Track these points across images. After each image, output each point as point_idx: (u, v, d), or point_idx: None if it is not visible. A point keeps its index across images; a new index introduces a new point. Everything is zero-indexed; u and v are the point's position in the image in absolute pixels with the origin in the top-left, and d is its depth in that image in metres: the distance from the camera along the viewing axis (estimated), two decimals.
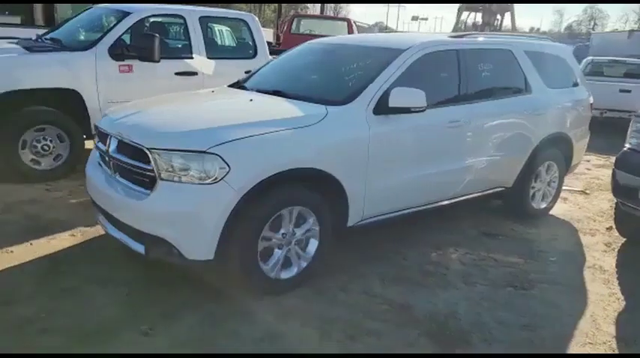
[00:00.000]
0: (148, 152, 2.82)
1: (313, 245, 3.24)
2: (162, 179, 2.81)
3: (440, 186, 3.95)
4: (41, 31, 6.33)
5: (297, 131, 3.08)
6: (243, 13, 7.02)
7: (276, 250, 3.09)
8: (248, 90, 4.06)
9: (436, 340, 2.80)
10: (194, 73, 5.79)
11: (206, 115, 3.39)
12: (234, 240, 2.85)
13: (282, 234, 3.07)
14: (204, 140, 2.81)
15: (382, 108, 3.35)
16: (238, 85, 4.28)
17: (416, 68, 3.67)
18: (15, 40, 5.54)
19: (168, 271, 3.23)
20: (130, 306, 2.92)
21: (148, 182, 2.89)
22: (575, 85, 5.03)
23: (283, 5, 29.96)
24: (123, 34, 5.36)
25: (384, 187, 3.53)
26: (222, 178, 2.76)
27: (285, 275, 3.14)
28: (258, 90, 3.92)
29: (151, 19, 5.99)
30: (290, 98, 3.57)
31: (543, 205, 4.94)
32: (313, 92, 3.64)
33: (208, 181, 2.77)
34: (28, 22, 8.74)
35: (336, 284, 3.31)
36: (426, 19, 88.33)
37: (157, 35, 5.28)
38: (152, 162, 2.82)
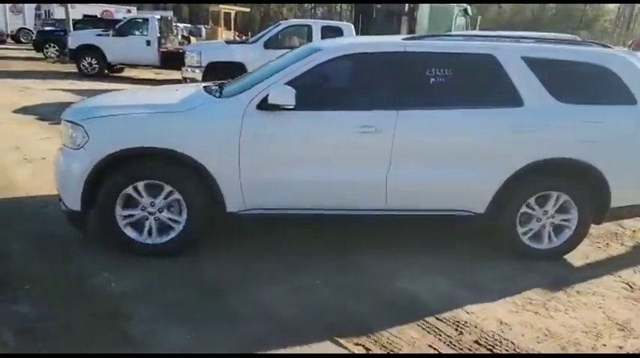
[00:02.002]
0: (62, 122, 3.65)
1: (184, 214, 3.58)
2: (63, 145, 3.66)
3: (347, 192, 3.70)
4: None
5: (162, 115, 3.57)
6: None
7: (146, 221, 3.59)
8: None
9: None
10: None
11: (120, 100, 4.15)
12: (97, 201, 3.50)
13: (142, 207, 3.55)
14: (80, 114, 3.60)
15: (264, 104, 3.48)
16: None
17: (323, 70, 3.68)
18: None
19: None
20: None
21: None
22: (630, 102, 3.79)
23: None
24: None
25: (267, 180, 3.59)
26: (83, 146, 3.44)
27: (161, 239, 3.62)
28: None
29: None
30: (209, 91, 3.91)
31: (547, 245, 3.92)
32: (231, 87, 3.97)
33: (76, 147, 3.49)
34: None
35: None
36: None
37: None
38: None
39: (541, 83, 3.72)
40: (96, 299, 3.08)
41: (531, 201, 3.80)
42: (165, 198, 3.55)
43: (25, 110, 9.13)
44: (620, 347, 2.90)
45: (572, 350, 2.84)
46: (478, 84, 3.82)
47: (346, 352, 2.72)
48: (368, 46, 3.95)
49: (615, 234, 4.64)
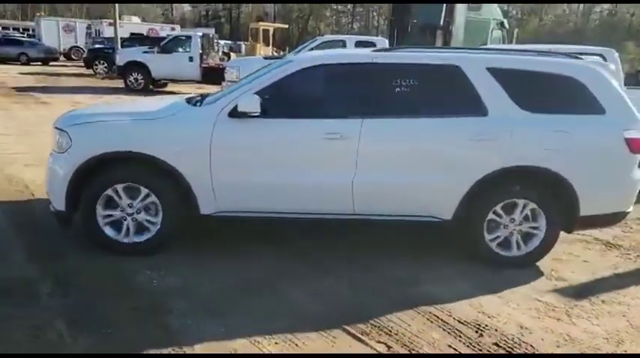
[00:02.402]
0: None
1: (159, 215, 3.84)
2: (52, 150, 3.97)
3: (316, 196, 3.84)
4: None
5: (141, 122, 3.87)
6: None
7: (124, 221, 3.85)
8: None
9: None
10: None
11: (106, 109, 4.80)
12: (83, 195, 3.77)
13: (120, 208, 3.82)
14: (66, 121, 3.95)
15: (235, 112, 3.70)
16: None
17: (293, 80, 3.87)
18: None
19: None
20: None
21: None
22: (598, 112, 3.82)
23: None
24: None
25: (237, 184, 3.81)
26: (67, 150, 3.78)
27: (139, 238, 3.88)
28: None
29: None
30: (189, 101, 4.20)
31: (516, 253, 3.94)
32: (211, 97, 4.21)
33: (62, 151, 3.82)
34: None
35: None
36: None
37: None
38: None
39: (506, 93, 3.80)
40: (139, 294, 3.35)
41: (498, 208, 3.85)
42: (142, 201, 3.81)
43: None
44: None
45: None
46: (443, 94, 3.95)
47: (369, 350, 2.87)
48: (337, 58, 4.24)
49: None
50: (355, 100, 3.91)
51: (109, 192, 3.78)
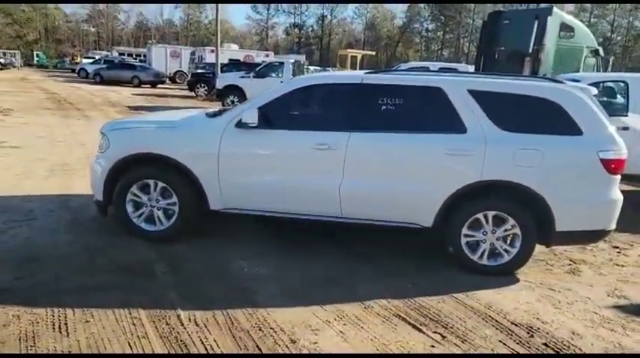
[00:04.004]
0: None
1: (176, 210, 4.54)
2: (97, 151, 4.78)
3: (304, 199, 4.35)
4: None
5: (165, 129, 4.66)
6: None
7: (145, 208, 4.61)
8: None
9: None
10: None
11: (144, 118, 5.60)
12: (113, 194, 4.56)
13: (148, 198, 4.57)
14: (109, 127, 4.82)
15: (240, 123, 4.34)
16: None
17: (292, 97, 4.50)
18: None
19: None
20: None
21: None
22: (575, 133, 4.04)
23: None
24: None
25: (240, 185, 4.42)
26: (105, 150, 4.62)
27: (168, 223, 4.59)
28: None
29: None
30: (208, 114, 4.90)
31: (493, 262, 4.20)
32: (229, 110, 4.81)
33: (102, 151, 4.66)
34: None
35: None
36: None
37: None
38: None
39: (484, 113, 4.12)
40: (232, 278, 3.98)
41: (475, 218, 4.14)
42: (162, 196, 4.54)
43: None
44: None
45: None
46: (426, 112, 4.35)
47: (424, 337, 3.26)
48: (330, 78, 4.90)
49: None
50: (344, 116, 4.40)
51: (137, 186, 4.54)
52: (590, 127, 4.06)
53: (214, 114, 4.88)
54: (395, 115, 4.35)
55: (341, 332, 3.25)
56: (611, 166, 4.02)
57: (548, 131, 4.11)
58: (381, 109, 4.34)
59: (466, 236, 4.22)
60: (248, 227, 5.06)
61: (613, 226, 4.18)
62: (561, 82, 4.41)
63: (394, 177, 4.23)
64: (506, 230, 4.15)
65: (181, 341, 3.05)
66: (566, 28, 13.85)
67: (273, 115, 4.41)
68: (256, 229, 5.03)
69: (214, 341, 3.07)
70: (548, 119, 4.15)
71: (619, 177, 4.11)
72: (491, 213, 4.14)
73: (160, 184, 4.53)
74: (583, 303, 3.84)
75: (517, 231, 4.13)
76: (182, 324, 3.23)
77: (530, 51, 13.38)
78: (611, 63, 16.15)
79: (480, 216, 4.15)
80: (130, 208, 4.61)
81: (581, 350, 3.18)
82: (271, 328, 3.25)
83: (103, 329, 3.12)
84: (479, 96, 4.19)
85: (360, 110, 4.37)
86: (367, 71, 4.86)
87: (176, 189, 4.51)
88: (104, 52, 52.41)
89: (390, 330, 3.31)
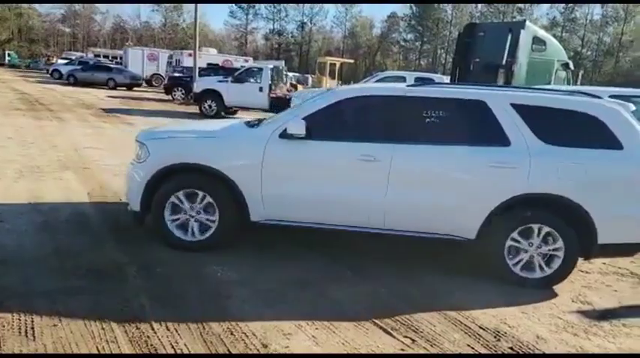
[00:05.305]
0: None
1: (216, 218, 4.49)
2: (133, 159, 4.74)
3: (348, 210, 4.33)
4: None
5: (206, 139, 4.62)
6: None
7: (190, 220, 4.54)
8: None
9: None
10: None
11: (179, 127, 5.35)
12: (153, 200, 4.48)
13: (191, 206, 4.50)
14: (146, 136, 4.74)
15: (285, 133, 4.32)
16: None
17: (336, 108, 4.47)
18: None
19: None
20: None
21: None
22: (616, 147, 4.15)
23: None
24: None
25: (283, 196, 4.37)
26: (145, 160, 4.52)
27: (200, 237, 4.55)
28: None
29: None
30: (247, 124, 4.93)
31: (532, 275, 4.25)
32: (266, 121, 4.87)
33: (141, 161, 4.57)
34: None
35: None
36: None
37: None
38: None
39: (528, 127, 4.20)
40: (205, 283, 3.97)
41: (518, 231, 4.19)
42: (200, 203, 4.49)
43: None
44: None
45: None
46: (470, 125, 4.39)
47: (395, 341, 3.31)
48: (374, 90, 4.86)
49: None
50: (388, 128, 4.41)
51: (179, 195, 4.47)
52: (630, 142, 4.17)
53: (254, 124, 4.88)
54: (438, 128, 4.39)
55: (313, 336, 3.28)
56: None
57: (589, 145, 4.19)
58: (425, 122, 4.37)
59: (510, 249, 4.24)
60: None
61: None
62: (599, 97, 4.50)
63: (438, 189, 4.24)
64: (552, 249, 4.21)
65: (151, 345, 3.03)
66: (538, 42, 14.22)
67: (318, 126, 4.35)
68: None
69: (185, 345, 3.06)
70: (589, 133, 4.23)
71: None
72: (545, 229, 4.18)
73: (208, 199, 4.46)
74: (549, 309, 3.95)
75: (561, 253, 4.18)
76: (152, 328, 3.20)
77: (504, 63, 13.70)
78: (580, 76, 16.66)
79: (535, 227, 4.19)
80: (167, 212, 4.52)
81: (545, 353, 3.27)
82: (243, 332, 3.25)
83: (71, 333, 3.08)
84: (522, 109, 4.26)
85: (405, 122, 4.39)
86: (409, 84, 4.94)
87: (220, 204, 4.45)
88: (79, 54, 51.54)
89: (361, 334, 3.35)
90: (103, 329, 3.15)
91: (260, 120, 5.08)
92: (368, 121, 4.64)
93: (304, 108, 4.57)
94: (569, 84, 15.14)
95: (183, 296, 3.69)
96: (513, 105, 4.27)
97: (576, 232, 4.15)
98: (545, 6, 62.79)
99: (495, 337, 3.43)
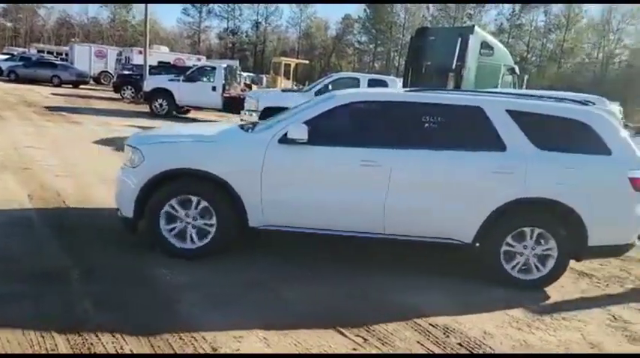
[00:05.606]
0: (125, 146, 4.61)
1: (214, 227, 4.34)
2: (123, 164, 4.56)
3: (348, 215, 4.30)
4: None
5: (205, 144, 4.47)
6: None
7: (187, 227, 4.37)
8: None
9: None
10: None
11: (172, 131, 5.30)
12: (146, 209, 4.31)
13: (186, 213, 4.35)
14: (139, 141, 4.61)
15: (285, 138, 4.25)
16: None
17: (335, 114, 4.43)
18: None
19: None
20: None
21: None
22: (604, 153, 4.30)
23: None
24: None
25: (284, 201, 4.29)
26: (139, 164, 4.33)
27: (200, 243, 4.38)
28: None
29: None
30: (242, 128, 4.85)
31: (529, 276, 4.37)
32: (261, 126, 4.87)
33: (135, 166, 4.37)
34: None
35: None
36: None
37: None
38: None
39: (523, 132, 4.30)
40: (153, 286, 3.85)
41: (513, 234, 4.28)
42: (201, 214, 4.34)
43: (103, 141, 10.50)
44: None
45: None
46: (467, 130, 4.45)
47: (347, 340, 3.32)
48: (373, 96, 4.85)
49: (618, 278, 5.00)
50: (389, 133, 4.43)
51: (174, 201, 4.30)
52: (618, 148, 4.32)
53: (249, 128, 4.82)
54: (437, 133, 4.45)
55: (264, 338, 3.24)
56: (638, 184, 4.28)
57: (580, 150, 4.32)
58: (424, 127, 4.43)
59: (507, 244, 4.31)
60: None
61: (635, 239, 4.45)
62: (590, 104, 4.64)
63: (437, 194, 4.27)
64: (545, 249, 4.31)
65: (95, 352, 2.91)
66: (486, 47, 14.68)
67: (318, 131, 4.28)
68: None
69: (131, 351, 2.95)
70: (580, 139, 4.36)
71: None
72: (537, 230, 4.28)
73: (203, 204, 4.31)
74: (496, 305, 4.06)
75: (554, 253, 4.29)
76: (96, 335, 3.07)
77: (454, 67, 14.09)
78: (525, 81, 17.33)
79: (527, 229, 4.28)
80: (163, 221, 4.34)
81: (491, 348, 3.37)
82: (192, 337, 3.17)
83: (8, 342, 2.91)
84: (517, 116, 4.35)
85: (404, 127, 4.41)
86: (407, 89, 4.87)
87: (216, 207, 4.31)
88: (22, 49, 49.09)
89: (313, 335, 3.34)
90: (42, 336, 3.00)
91: (255, 124, 5.03)
92: (368, 126, 4.62)
93: (303, 113, 4.51)
94: (514, 88, 15.74)
95: (130, 301, 3.57)
96: (508, 112, 4.36)
97: (568, 234, 4.28)
98: (494, 12, 65.26)
99: (445, 333, 3.51)
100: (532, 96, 5.02)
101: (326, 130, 4.40)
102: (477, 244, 4.32)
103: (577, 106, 4.58)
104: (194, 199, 4.32)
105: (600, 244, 4.35)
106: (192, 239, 4.39)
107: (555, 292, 4.45)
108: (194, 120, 17.35)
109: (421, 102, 4.48)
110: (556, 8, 61.30)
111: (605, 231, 4.34)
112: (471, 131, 4.44)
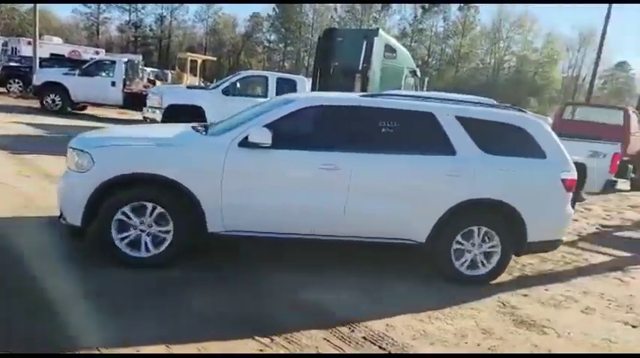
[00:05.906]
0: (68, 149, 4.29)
1: (171, 230, 4.16)
2: (68, 168, 4.28)
3: (311, 218, 4.36)
4: None
5: (161, 148, 4.24)
6: None
7: (132, 231, 4.13)
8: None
9: None
10: None
11: (122, 133, 4.91)
12: (97, 218, 4.06)
13: (140, 221, 4.12)
14: (86, 143, 4.26)
15: (245, 142, 4.18)
16: None
17: (296, 116, 4.45)
18: None
19: None
20: None
21: None
22: (540, 156, 4.68)
23: None
24: None
25: (244, 206, 4.25)
26: (88, 170, 4.06)
27: (155, 251, 4.19)
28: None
29: None
30: (197, 130, 4.69)
31: (477, 272, 4.67)
32: (217, 128, 4.75)
33: (83, 170, 4.09)
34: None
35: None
36: None
37: None
38: None
39: (470, 137, 4.60)
40: (34, 297, 3.55)
41: (462, 233, 4.57)
42: (156, 221, 4.15)
43: None
44: (478, 345, 3.59)
45: (439, 345, 3.49)
46: (420, 135, 4.66)
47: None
48: (331, 100, 4.86)
49: (508, 267, 5.41)
50: (347, 137, 4.46)
51: (127, 208, 4.07)
52: (551, 151, 4.71)
53: (202, 130, 4.69)
54: (393, 137, 4.60)
55: (167, 345, 3.11)
56: (569, 185, 4.73)
57: (520, 154, 4.67)
58: (381, 131, 4.57)
59: (457, 243, 4.56)
60: (62, 241, 4.56)
61: (565, 236, 4.95)
62: (524, 111, 5.01)
63: (395, 197, 4.41)
64: (490, 246, 4.61)
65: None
66: (390, 50, 15.26)
67: (279, 134, 4.20)
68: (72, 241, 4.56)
69: None
70: (519, 144, 4.72)
71: (572, 194, 4.81)
72: (483, 229, 4.57)
73: (158, 210, 4.10)
74: (399, 298, 4.24)
75: (498, 249, 4.61)
76: None
77: (360, 68, 14.50)
78: (426, 83, 18.31)
79: (475, 228, 4.57)
80: (114, 230, 4.07)
81: (393, 339, 3.50)
82: (84, 347, 2.97)
83: None
84: (465, 122, 4.61)
85: (363, 131, 4.51)
86: (363, 94, 5.00)
87: (173, 213, 4.12)
88: None
89: (218, 337, 3.26)
90: None
91: (207, 126, 4.87)
92: (327, 130, 4.62)
93: (264, 116, 4.42)
94: (416, 89, 16.55)
95: (10, 313, 3.25)
96: (457, 118, 4.61)
97: (510, 232, 4.63)
98: (397, 17, 67.96)
99: (350, 328, 3.59)
100: (437, 98, 5.30)
101: (287, 133, 4.39)
102: (430, 243, 4.53)
103: (516, 113, 4.97)
104: (149, 206, 4.11)
105: (538, 240, 4.76)
106: (147, 247, 4.17)
107: (453, 285, 4.72)
108: (93, 117, 16.28)
109: (377, 107, 4.61)
110: (454, 16, 65.43)
111: (542, 228, 4.74)
112: (424, 136, 4.64)
